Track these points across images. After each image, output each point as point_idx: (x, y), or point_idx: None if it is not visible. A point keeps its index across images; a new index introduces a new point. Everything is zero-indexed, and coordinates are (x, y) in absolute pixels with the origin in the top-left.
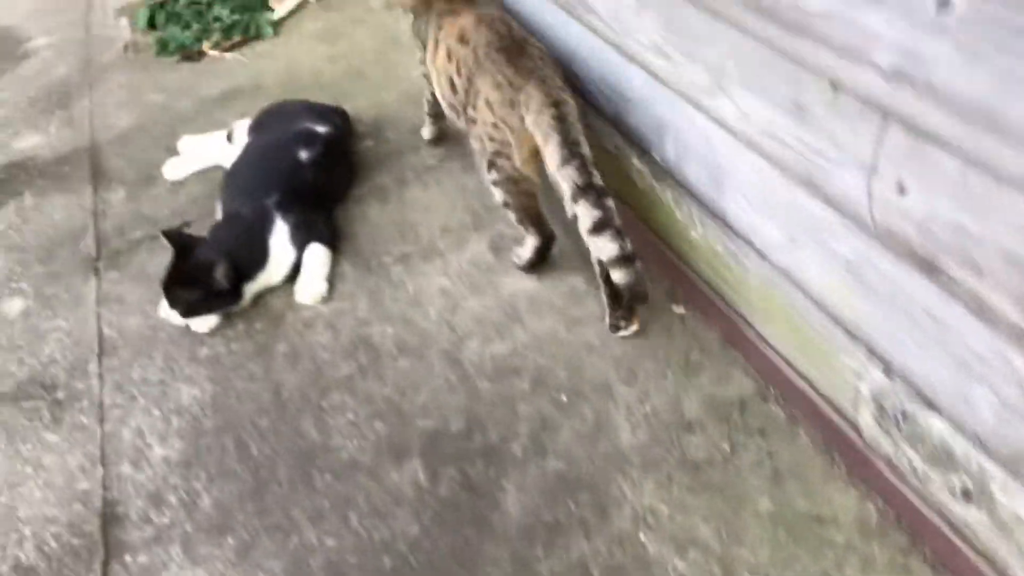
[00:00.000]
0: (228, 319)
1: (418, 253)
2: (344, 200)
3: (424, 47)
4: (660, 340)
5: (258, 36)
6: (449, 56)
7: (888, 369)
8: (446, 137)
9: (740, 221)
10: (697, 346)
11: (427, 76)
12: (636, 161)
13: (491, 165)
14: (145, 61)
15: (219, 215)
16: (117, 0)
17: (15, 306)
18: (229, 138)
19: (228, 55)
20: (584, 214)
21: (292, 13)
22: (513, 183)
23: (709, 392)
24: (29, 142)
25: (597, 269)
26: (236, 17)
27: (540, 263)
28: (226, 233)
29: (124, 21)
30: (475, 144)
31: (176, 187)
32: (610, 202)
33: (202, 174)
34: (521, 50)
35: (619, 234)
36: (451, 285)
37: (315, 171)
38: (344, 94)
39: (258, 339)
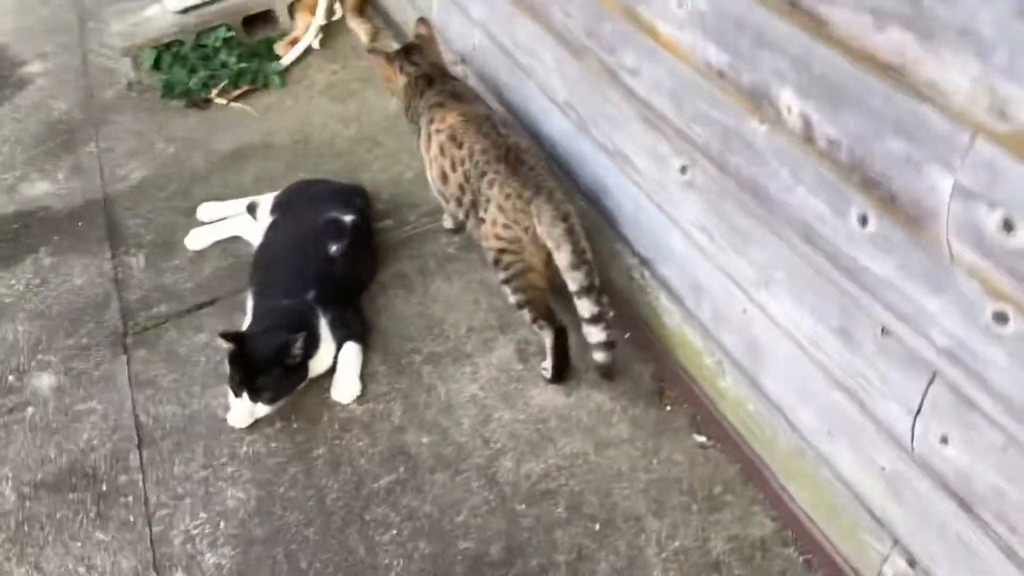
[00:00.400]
0: (262, 419)
1: (447, 354)
2: (369, 287)
3: (417, 132)
4: (684, 470)
5: (266, 86)
6: (442, 151)
7: (913, 562)
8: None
9: (774, 394)
10: (720, 480)
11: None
12: (664, 300)
13: (497, 263)
14: (150, 103)
15: (249, 302)
16: (120, 38)
17: (46, 382)
18: (251, 211)
19: (235, 104)
20: (585, 308)
21: (297, 60)
22: (522, 276)
23: (733, 532)
24: (38, 189)
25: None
26: (244, 65)
27: (563, 365)
28: (280, 319)
29: (127, 59)
30: (482, 241)
31: (197, 258)
32: (605, 299)
33: (222, 246)
34: (519, 159)
35: (608, 326)
36: (482, 394)
37: (344, 264)
38: (359, 164)
39: (296, 439)
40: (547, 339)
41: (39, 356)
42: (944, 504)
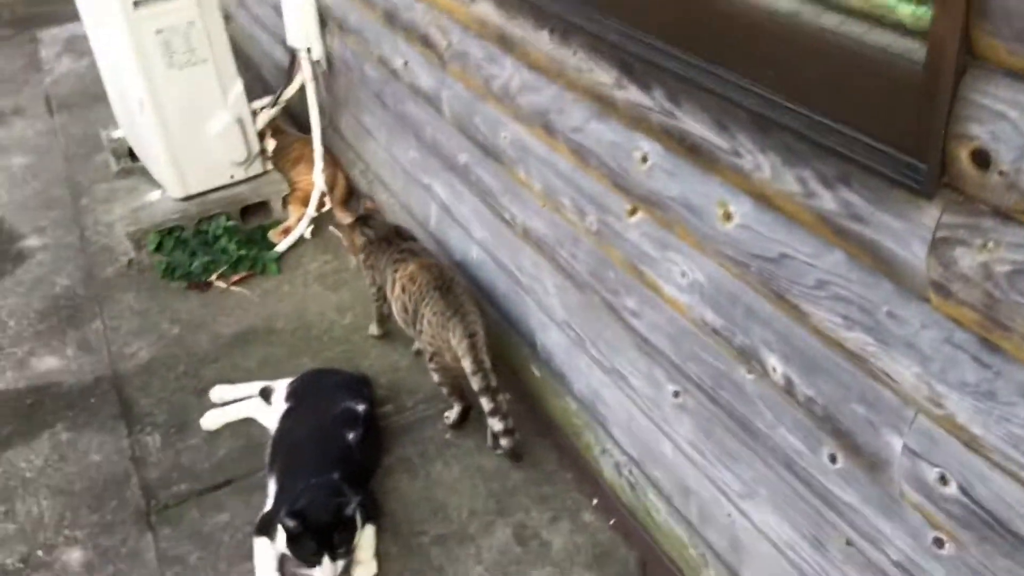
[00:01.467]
0: None
1: (452, 536)
2: (377, 471)
3: (374, 281)
4: None
5: (263, 272)
6: (403, 290)
7: None
8: (389, 335)
9: None
10: None
11: (379, 296)
12: (652, 496)
13: (431, 358)
14: (150, 283)
15: (272, 485)
16: (124, 222)
17: (75, 556)
18: (265, 396)
19: (235, 288)
20: (485, 404)
21: (290, 248)
22: (445, 370)
23: None
24: (47, 364)
25: (459, 410)
26: (243, 252)
27: (462, 424)
28: (320, 491)
29: (122, 234)
30: (417, 343)
31: (211, 438)
32: (500, 396)
33: (234, 427)
34: (450, 290)
35: (505, 417)
36: (488, 575)
37: (359, 451)
38: (358, 352)
39: None
40: (456, 407)
41: (65, 532)
42: None
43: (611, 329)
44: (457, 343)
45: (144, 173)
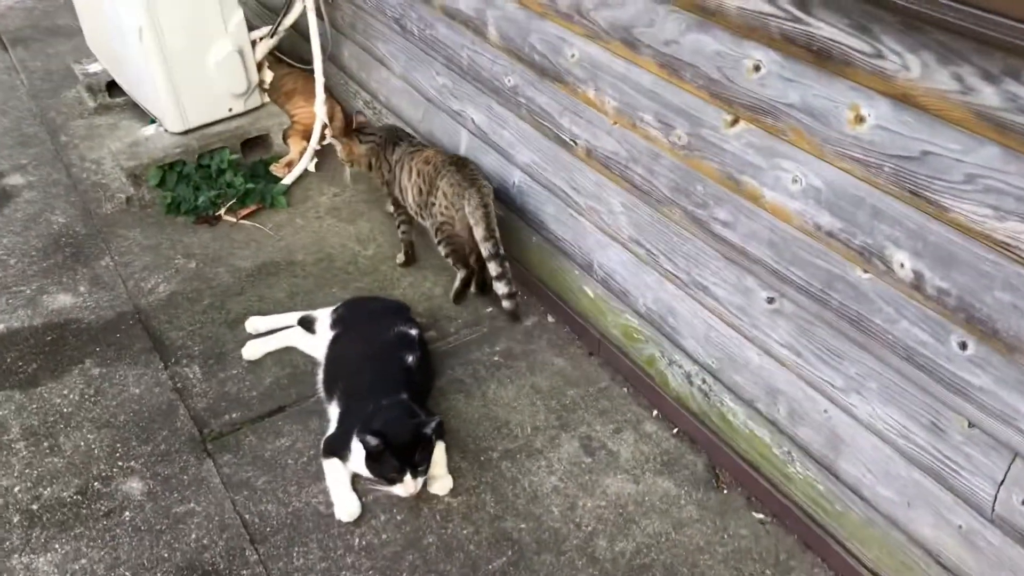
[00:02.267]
0: (365, 513)
1: (519, 450)
2: (431, 393)
3: (383, 178)
4: (751, 542)
5: (272, 206)
6: (418, 174)
7: None
8: (416, 261)
9: (850, 476)
10: (783, 549)
11: (395, 206)
12: (729, 402)
13: (438, 230)
14: (154, 218)
15: (334, 409)
16: (124, 157)
17: (135, 486)
18: (306, 325)
19: (245, 222)
20: (492, 269)
21: (295, 182)
22: (451, 239)
23: None
24: (60, 301)
25: (462, 276)
26: (250, 185)
27: (464, 292)
28: (394, 412)
29: (117, 171)
30: (428, 220)
31: (253, 368)
32: (507, 263)
33: (275, 356)
34: (465, 164)
35: (510, 281)
36: (562, 484)
37: (418, 372)
38: (388, 281)
39: (404, 530)
40: (460, 274)
41: (119, 463)
42: (1017, 551)
43: (692, 242)
44: (471, 211)
45: (125, 109)
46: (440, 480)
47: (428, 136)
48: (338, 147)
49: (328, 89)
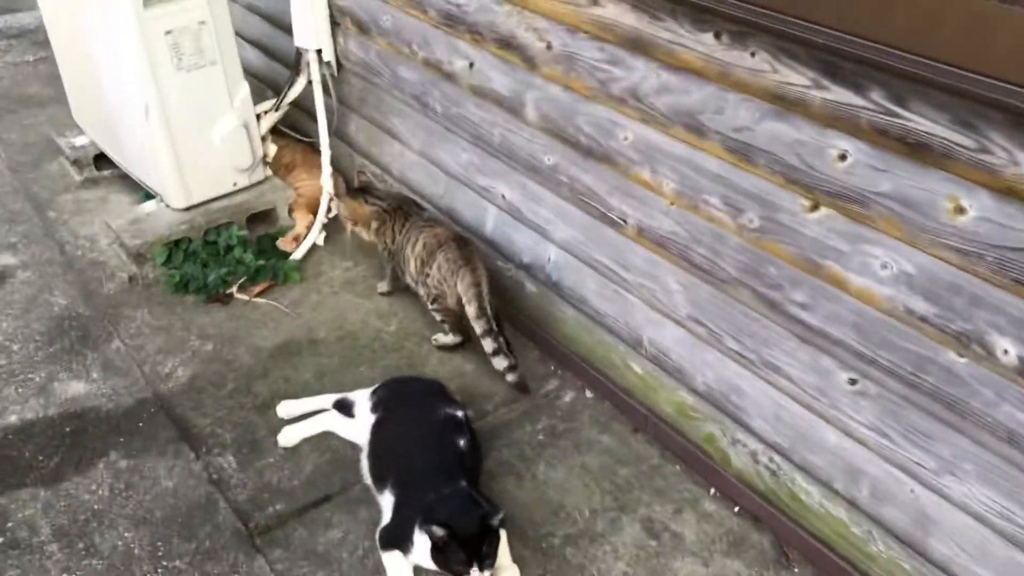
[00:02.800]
0: None
1: (581, 535)
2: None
3: (385, 245)
4: None
5: (285, 282)
6: (424, 245)
7: None
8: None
9: (941, 556)
10: None
11: (390, 259)
12: (801, 481)
13: (433, 300)
14: (161, 298)
15: (387, 499)
16: (127, 235)
17: None
18: (342, 409)
19: (259, 300)
20: (487, 346)
21: (304, 257)
22: (446, 311)
23: None
24: (74, 389)
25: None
26: (261, 262)
27: (453, 350)
28: (457, 502)
29: (115, 248)
30: (423, 289)
31: (290, 455)
32: (501, 338)
33: (313, 442)
34: (466, 244)
35: (509, 354)
36: (631, 571)
37: (470, 456)
38: (416, 359)
39: None
40: (453, 337)
41: (164, 563)
42: None
43: (761, 322)
44: (464, 289)
45: (113, 182)
46: (507, 572)
47: (449, 211)
48: (341, 207)
49: (332, 162)
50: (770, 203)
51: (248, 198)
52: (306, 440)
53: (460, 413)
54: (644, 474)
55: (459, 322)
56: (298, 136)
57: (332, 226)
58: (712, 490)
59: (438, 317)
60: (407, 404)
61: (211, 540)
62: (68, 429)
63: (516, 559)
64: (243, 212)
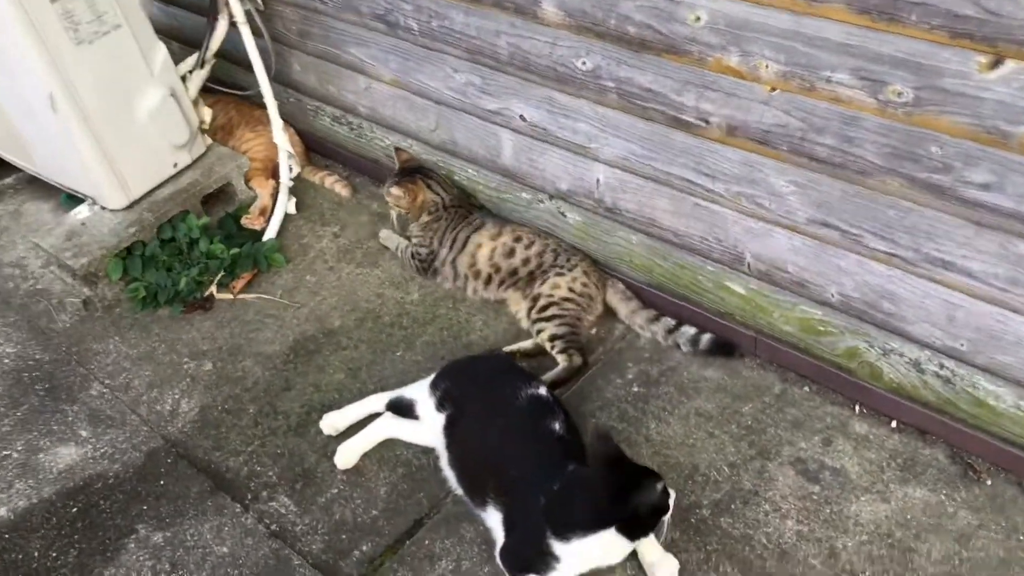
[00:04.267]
0: None
1: (730, 498)
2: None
3: (430, 242)
4: None
5: (269, 268)
6: (518, 239)
7: None
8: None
9: None
10: None
11: (425, 257)
12: (986, 384)
13: (549, 306)
14: (129, 319)
15: (490, 518)
16: (67, 254)
17: None
18: (399, 411)
19: (246, 297)
20: (666, 321)
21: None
22: (574, 320)
23: None
24: (65, 457)
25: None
26: (236, 250)
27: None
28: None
29: (54, 271)
30: (533, 293)
31: (354, 478)
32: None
33: (376, 457)
34: (596, 264)
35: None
36: (805, 528)
37: (571, 436)
38: (459, 327)
39: None
40: (575, 362)
41: None
42: None
43: (920, 214)
44: (617, 297)
45: (19, 190)
46: (662, 564)
47: (447, 147)
48: (398, 192)
49: (263, 114)
50: (928, 68)
51: (196, 178)
52: (366, 456)
53: (543, 390)
54: (771, 406)
55: (582, 340)
56: (225, 90)
57: (300, 188)
58: (857, 408)
59: (553, 327)
60: (479, 394)
61: None
62: (75, 510)
63: (667, 545)
64: (195, 196)
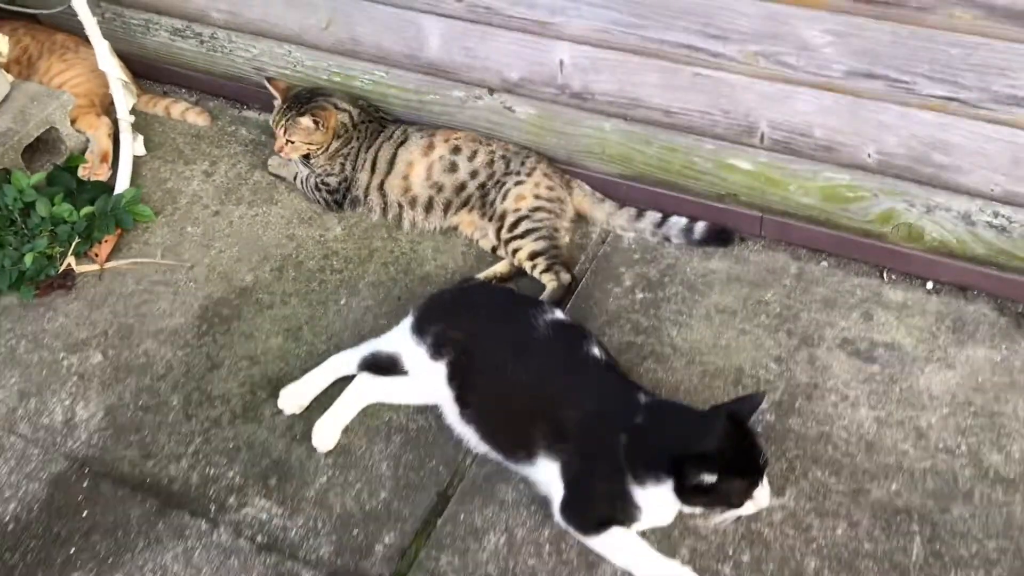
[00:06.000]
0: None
1: (790, 397)
2: None
3: (341, 169)
4: None
5: (134, 224)
6: (455, 151)
7: None
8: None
9: None
10: None
11: (336, 185)
12: None
13: (522, 219)
14: None
15: (540, 470)
16: None
17: None
18: (380, 367)
19: (120, 264)
20: (653, 214)
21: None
22: (550, 230)
23: None
24: None
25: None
26: (87, 210)
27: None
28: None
29: None
30: (499, 205)
31: (345, 461)
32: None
33: (361, 428)
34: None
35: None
36: (881, 413)
37: (609, 357)
38: (407, 258)
39: (770, 570)
40: (563, 279)
41: None
42: None
43: (991, 47)
44: (585, 196)
45: None
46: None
47: (344, 46)
48: (308, 124)
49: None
50: None
51: (9, 126)
52: (349, 431)
53: (560, 314)
54: (795, 289)
55: (566, 252)
56: (9, 7)
57: (140, 123)
58: (885, 275)
59: (531, 243)
60: (488, 330)
61: None
62: None
63: None
64: (13, 149)
